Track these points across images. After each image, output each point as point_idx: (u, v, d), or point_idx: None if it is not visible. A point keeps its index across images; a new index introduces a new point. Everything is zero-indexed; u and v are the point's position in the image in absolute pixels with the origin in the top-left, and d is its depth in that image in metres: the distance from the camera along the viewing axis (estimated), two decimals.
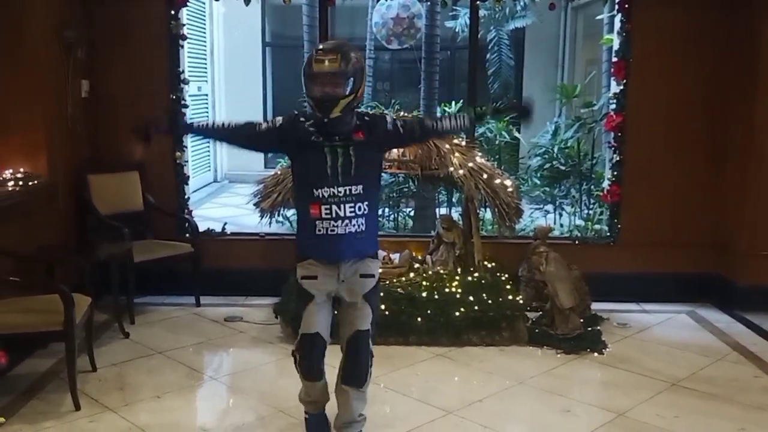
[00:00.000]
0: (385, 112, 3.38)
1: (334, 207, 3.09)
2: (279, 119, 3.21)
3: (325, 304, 3.24)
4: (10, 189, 4.48)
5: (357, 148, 3.10)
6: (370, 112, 3.39)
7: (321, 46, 3.13)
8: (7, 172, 4.64)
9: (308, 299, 3.20)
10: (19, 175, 4.64)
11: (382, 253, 5.32)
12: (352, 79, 3.02)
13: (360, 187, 3.10)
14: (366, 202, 3.13)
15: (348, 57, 3.02)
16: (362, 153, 3.12)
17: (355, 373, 3.26)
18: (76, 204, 5.33)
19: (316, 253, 3.18)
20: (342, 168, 3.08)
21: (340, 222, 3.09)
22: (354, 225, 3.11)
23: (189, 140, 6.28)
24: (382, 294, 4.72)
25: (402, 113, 3.52)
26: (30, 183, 4.64)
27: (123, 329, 4.88)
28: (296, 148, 3.17)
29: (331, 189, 3.08)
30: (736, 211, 5.60)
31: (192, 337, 4.92)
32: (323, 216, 3.10)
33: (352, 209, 3.10)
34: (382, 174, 3.67)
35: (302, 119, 3.16)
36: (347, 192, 3.09)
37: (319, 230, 3.11)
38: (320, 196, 3.09)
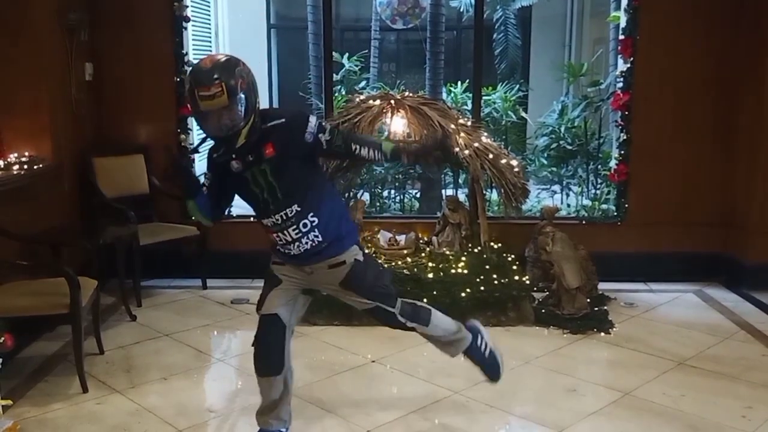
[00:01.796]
0: (311, 115, 3.01)
1: (280, 234, 2.97)
2: (205, 166, 3.00)
3: (292, 293, 3.10)
4: (15, 172, 4.48)
5: (273, 167, 2.86)
6: (277, 115, 2.90)
7: (200, 76, 2.72)
8: (12, 155, 4.65)
9: (275, 283, 3.09)
10: (24, 159, 4.64)
11: (387, 235, 5.32)
12: (244, 102, 2.73)
13: (294, 206, 2.91)
14: (311, 214, 2.93)
15: (234, 78, 2.70)
16: (280, 171, 2.88)
17: (400, 326, 3.20)
18: (81, 187, 5.34)
19: (283, 259, 3.09)
20: (269, 195, 2.90)
21: (293, 245, 2.97)
22: (308, 242, 2.96)
23: (195, 123, 6.27)
24: None
25: (327, 124, 3.01)
26: (35, 166, 4.64)
27: (130, 312, 4.89)
28: (229, 182, 2.96)
29: (271, 218, 2.95)
30: (744, 189, 5.57)
31: (199, 319, 4.93)
32: (278, 242, 3.01)
33: (297, 231, 2.94)
34: (322, 170, 3.41)
35: (214, 154, 2.93)
36: (284, 217, 2.92)
37: (280, 249, 3.04)
38: (267, 225, 2.99)
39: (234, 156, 2.86)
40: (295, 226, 2.94)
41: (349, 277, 3.04)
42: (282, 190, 2.89)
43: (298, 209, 2.92)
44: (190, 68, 2.76)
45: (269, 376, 3.11)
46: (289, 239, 2.97)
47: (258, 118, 2.84)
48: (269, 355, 3.08)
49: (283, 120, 2.90)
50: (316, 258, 3.00)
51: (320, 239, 2.96)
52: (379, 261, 4.34)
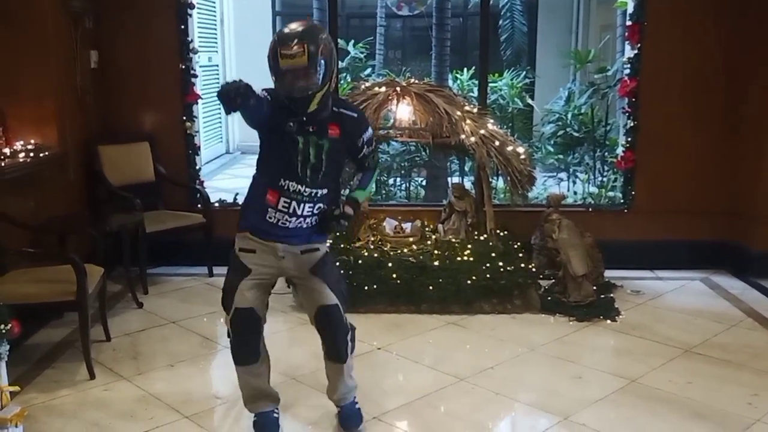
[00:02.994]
0: (370, 125, 3.18)
1: (293, 204, 2.97)
2: (264, 91, 2.85)
3: (262, 282, 3.09)
4: (21, 160, 4.49)
5: (331, 147, 2.96)
6: (350, 108, 3.12)
7: (285, 35, 2.79)
8: (18, 143, 4.65)
9: (244, 273, 3.05)
10: (30, 147, 4.64)
11: (393, 223, 5.31)
12: (323, 67, 2.80)
13: (325, 189, 3.00)
14: (324, 203, 3.03)
15: (316, 43, 2.77)
16: (334, 153, 2.99)
17: (333, 350, 3.13)
18: (87, 175, 5.35)
19: (258, 233, 3.04)
20: (312, 168, 2.95)
21: (294, 219, 2.99)
22: (307, 222, 3.02)
23: (200, 110, 6.27)
24: (390, 264, 4.75)
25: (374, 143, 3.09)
26: (41, 154, 4.65)
27: (136, 299, 4.91)
28: (269, 127, 2.93)
29: (298, 186, 2.95)
30: (751, 177, 5.53)
31: (205, 306, 4.94)
32: (279, 207, 2.98)
33: (311, 209, 3.00)
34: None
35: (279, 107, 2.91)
36: (312, 194, 2.98)
37: (270, 218, 2.99)
38: (284, 187, 2.96)
39: (295, 118, 2.88)
40: (311, 205, 3.00)
41: (319, 264, 3.08)
42: (325, 170, 2.98)
43: (324, 193, 3.02)
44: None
45: (249, 364, 3.16)
46: (298, 213, 2.99)
47: (331, 92, 2.95)
48: (248, 346, 3.14)
49: (356, 115, 3.11)
50: (297, 240, 3.04)
51: (313, 224, 3.05)
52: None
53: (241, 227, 3.11)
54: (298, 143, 2.93)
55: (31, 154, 4.58)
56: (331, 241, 3.12)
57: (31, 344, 4.19)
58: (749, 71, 5.49)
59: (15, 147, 4.60)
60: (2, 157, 4.40)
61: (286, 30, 2.83)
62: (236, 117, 9.71)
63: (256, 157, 3.12)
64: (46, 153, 4.71)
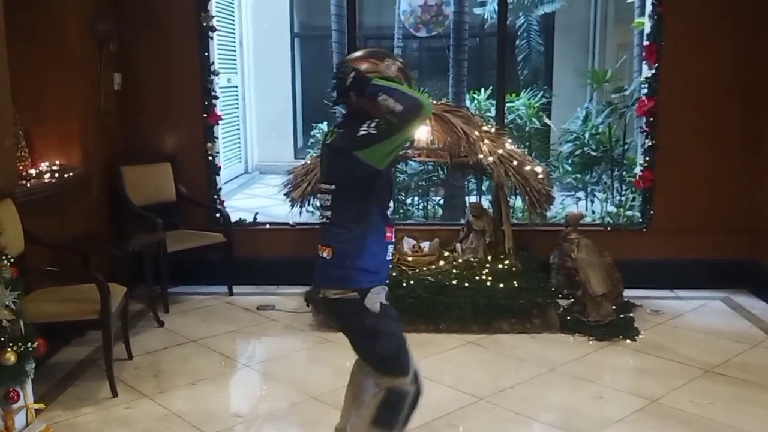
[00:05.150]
0: None
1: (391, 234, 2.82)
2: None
3: None
4: (46, 181, 4.57)
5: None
6: None
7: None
8: (43, 164, 4.74)
9: (400, 322, 2.85)
10: (54, 168, 4.73)
11: (411, 242, 5.34)
12: None
13: None
14: None
15: None
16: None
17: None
18: (110, 195, 5.42)
19: (385, 280, 2.81)
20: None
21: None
22: None
23: (220, 131, 6.34)
24: (412, 282, 4.76)
25: None
26: (66, 175, 4.73)
27: (157, 318, 4.95)
28: None
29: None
30: None
31: (225, 325, 4.98)
32: (393, 241, 2.83)
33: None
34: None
35: None
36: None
37: (389, 257, 2.82)
38: (391, 218, 2.83)
39: None
40: None
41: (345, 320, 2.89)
42: None
43: None
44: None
45: None
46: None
47: None
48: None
49: None
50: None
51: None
52: None
53: (373, 282, 2.73)
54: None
55: (56, 175, 4.67)
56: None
57: (54, 362, 4.24)
58: (765, 90, 5.48)
59: (40, 167, 4.69)
60: (28, 178, 4.48)
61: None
62: (255, 136, 9.75)
63: (353, 194, 2.71)
64: (71, 173, 4.79)
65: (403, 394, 2.78)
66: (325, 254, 2.72)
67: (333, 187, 2.72)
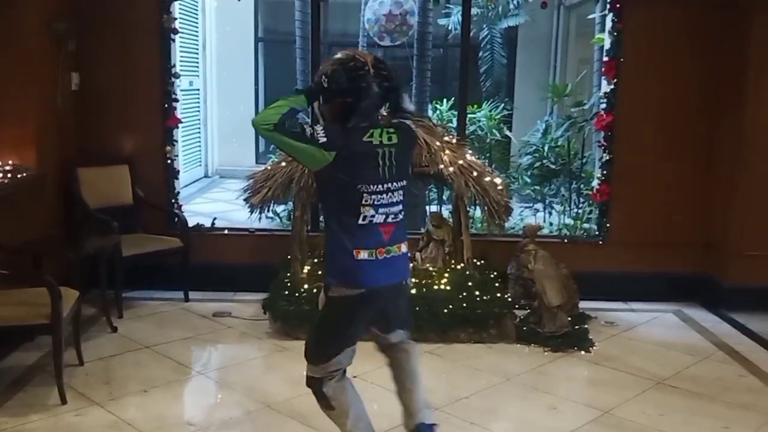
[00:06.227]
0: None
1: None
2: None
3: None
4: None
5: None
6: None
7: None
8: None
9: None
10: (7, 168, 4.61)
11: None
12: None
13: None
14: None
15: None
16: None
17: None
18: (64, 197, 5.31)
19: None
20: None
21: None
22: None
23: (180, 134, 6.26)
24: None
25: None
26: (19, 175, 4.62)
27: (111, 323, 4.86)
28: None
29: None
30: (724, 211, 5.63)
31: (180, 331, 4.91)
32: None
33: None
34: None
35: None
36: None
37: None
38: None
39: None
40: None
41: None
42: None
43: None
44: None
45: None
46: None
47: None
48: None
49: None
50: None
51: None
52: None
53: None
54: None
55: (9, 176, 4.55)
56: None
57: (2, 367, 4.14)
58: (721, 108, 5.62)
59: None
60: None
61: None
62: (216, 140, 9.60)
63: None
64: (24, 174, 4.68)
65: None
66: (404, 249, 3.02)
67: (405, 183, 2.98)
